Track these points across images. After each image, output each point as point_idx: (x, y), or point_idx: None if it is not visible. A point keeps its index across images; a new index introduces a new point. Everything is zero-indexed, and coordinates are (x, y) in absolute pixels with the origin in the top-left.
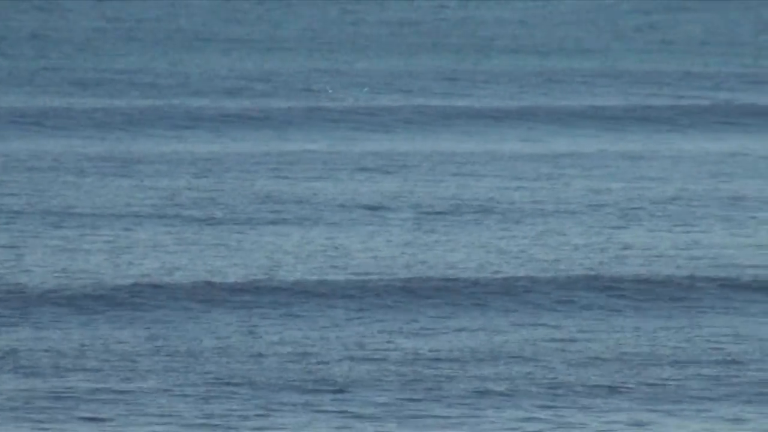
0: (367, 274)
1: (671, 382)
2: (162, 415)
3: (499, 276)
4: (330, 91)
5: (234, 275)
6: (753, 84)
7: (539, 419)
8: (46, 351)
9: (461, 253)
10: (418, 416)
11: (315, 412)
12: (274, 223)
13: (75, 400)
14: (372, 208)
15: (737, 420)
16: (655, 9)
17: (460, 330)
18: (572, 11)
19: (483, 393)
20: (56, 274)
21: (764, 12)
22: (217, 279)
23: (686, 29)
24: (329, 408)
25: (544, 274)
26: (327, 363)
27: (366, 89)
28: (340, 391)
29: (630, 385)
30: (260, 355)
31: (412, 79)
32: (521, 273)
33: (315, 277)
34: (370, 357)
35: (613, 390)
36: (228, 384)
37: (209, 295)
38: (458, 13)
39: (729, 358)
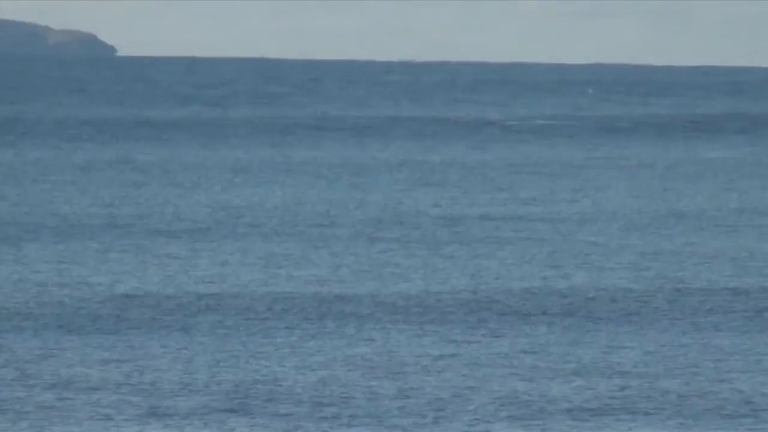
0: (305, 287)
1: (620, 393)
2: (104, 420)
3: (439, 289)
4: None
5: (176, 286)
6: (701, 91)
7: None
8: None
9: (402, 267)
10: (346, 417)
11: (245, 416)
12: (207, 233)
13: (25, 406)
14: (317, 221)
15: (683, 427)
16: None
17: (396, 343)
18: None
19: (421, 404)
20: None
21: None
22: (156, 288)
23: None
24: (261, 412)
25: (487, 286)
26: (260, 372)
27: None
28: (271, 398)
29: (572, 398)
30: (200, 364)
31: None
32: (465, 286)
33: (261, 288)
34: (310, 367)
35: (559, 401)
36: (169, 392)
37: (150, 305)
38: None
39: (685, 370)
